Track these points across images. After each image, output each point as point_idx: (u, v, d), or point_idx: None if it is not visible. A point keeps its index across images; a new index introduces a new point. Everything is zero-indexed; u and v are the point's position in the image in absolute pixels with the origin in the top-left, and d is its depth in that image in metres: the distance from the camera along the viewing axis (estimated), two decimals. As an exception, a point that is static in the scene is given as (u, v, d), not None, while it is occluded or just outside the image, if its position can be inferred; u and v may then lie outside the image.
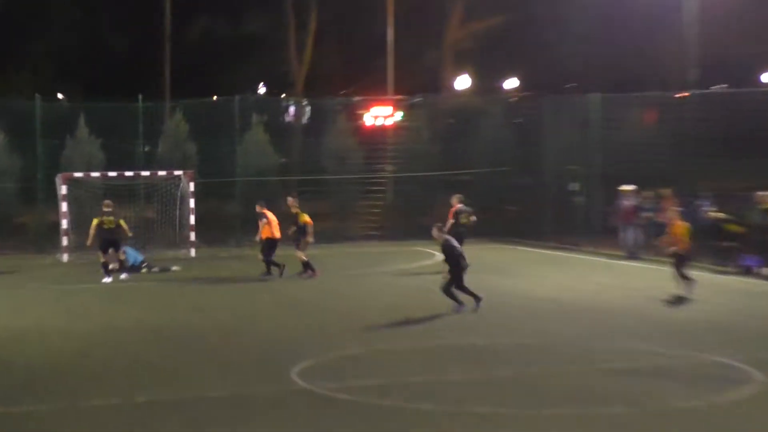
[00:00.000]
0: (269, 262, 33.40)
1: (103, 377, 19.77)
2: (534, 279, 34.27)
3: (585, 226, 41.79)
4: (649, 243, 36.55)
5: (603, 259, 38.45)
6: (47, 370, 20.63)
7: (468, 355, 22.05)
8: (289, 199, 34.08)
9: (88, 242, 33.87)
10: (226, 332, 24.76)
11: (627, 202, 38.17)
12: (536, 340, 23.90)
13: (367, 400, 18.25)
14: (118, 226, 33.35)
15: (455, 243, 27.30)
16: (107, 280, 32.60)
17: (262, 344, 23.22)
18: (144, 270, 35.36)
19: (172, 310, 28.11)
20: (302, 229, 33.22)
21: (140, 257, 36.20)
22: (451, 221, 34.83)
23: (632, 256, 37.45)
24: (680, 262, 29.08)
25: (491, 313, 26.87)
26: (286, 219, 34.77)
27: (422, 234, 44.96)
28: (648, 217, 37.53)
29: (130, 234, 34.06)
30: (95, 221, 33.24)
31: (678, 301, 28.96)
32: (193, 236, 40.76)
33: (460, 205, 35.97)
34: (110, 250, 32.92)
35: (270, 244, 33.52)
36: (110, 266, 32.98)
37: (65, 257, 38.54)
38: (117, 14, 68.40)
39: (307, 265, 33.13)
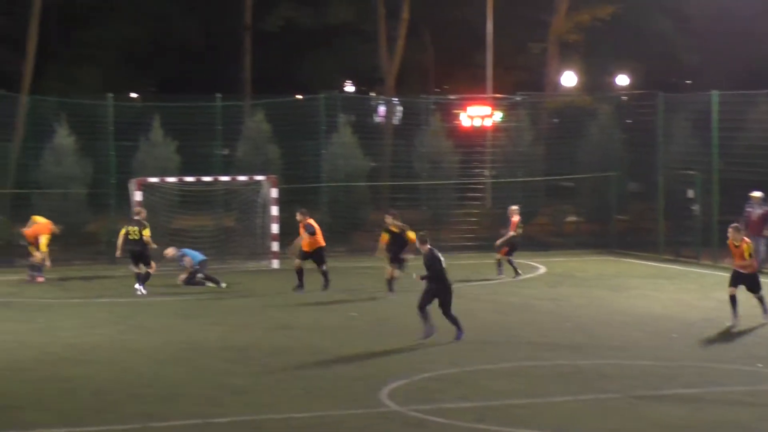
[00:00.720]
0: (325, 273, 33.92)
1: (180, 397, 20.09)
2: (648, 294, 33.95)
3: (703, 237, 41.31)
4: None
5: (724, 274, 37.96)
6: (119, 389, 20.91)
7: (573, 377, 21.99)
8: (388, 218, 33.83)
9: (117, 253, 34.62)
10: (313, 350, 24.90)
11: (755, 211, 37.76)
12: (652, 362, 23.81)
13: (462, 424, 18.34)
14: (141, 237, 33.53)
15: (440, 256, 26.17)
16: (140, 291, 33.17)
17: (350, 364, 23.36)
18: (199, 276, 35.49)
19: (255, 327, 28.22)
20: (400, 243, 32.80)
21: (200, 257, 35.97)
22: (512, 233, 35.08)
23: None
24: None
25: (601, 331, 26.97)
26: (373, 229, 34.91)
27: (524, 245, 45.02)
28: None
29: (153, 246, 34.12)
30: (122, 231, 33.85)
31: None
32: (275, 246, 40.57)
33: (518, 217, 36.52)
34: (140, 264, 33.41)
35: (321, 253, 34.16)
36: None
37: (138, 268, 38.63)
38: (190, 2, 68.50)
39: (390, 283, 33.05)
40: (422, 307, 25.32)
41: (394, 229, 32.99)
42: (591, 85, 66.51)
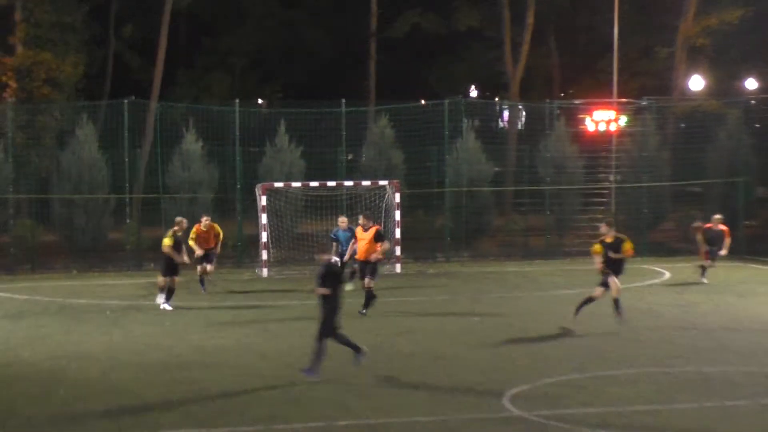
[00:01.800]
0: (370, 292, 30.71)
1: (304, 400, 20.19)
2: None
3: None
4: None
5: None
6: (244, 391, 21.15)
7: (699, 384, 21.66)
8: (603, 226, 32.93)
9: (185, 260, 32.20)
10: (436, 355, 24.88)
11: None
12: None
13: (585, 430, 18.31)
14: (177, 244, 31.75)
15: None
16: (164, 305, 31.41)
17: (473, 368, 23.23)
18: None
19: (379, 331, 28.19)
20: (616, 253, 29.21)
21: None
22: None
23: None
24: None
25: (728, 338, 26.57)
26: (496, 234, 34.56)
27: (651, 250, 44.66)
28: None
29: (184, 260, 31.74)
30: (169, 241, 31.21)
31: None
32: (398, 251, 40.65)
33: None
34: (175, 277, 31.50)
35: (375, 266, 31.06)
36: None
37: (265, 272, 39.07)
38: (317, 9, 69.09)
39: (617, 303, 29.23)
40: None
41: (611, 238, 29.50)
42: (719, 90, 65.57)
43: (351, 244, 33.81)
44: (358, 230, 31.80)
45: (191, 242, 33.74)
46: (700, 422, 18.35)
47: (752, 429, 18.27)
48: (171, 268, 30.94)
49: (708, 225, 37.74)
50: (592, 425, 18.57)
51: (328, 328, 21.75)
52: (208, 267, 34.54)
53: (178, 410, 19.99)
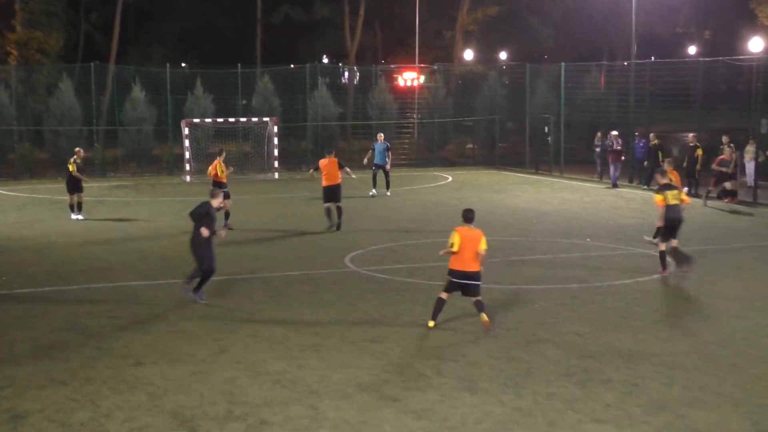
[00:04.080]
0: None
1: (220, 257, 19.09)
2: (519, 195, 34.02)
3: (554, 158, 41.32)
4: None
5: (567, 181, 38.40)
6: (178, 256, 20.73)
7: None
8: (690, 135, 31.32)
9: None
10: (302, 232, 24.95)
11: (614, 146, 35.82)
12: (520, 237, 24.04)
13: (398, 278, 18.67)
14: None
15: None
16: (76, 216, 27.05)
17: (326, 241, 23.33)
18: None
19: (261, 218, 27.89)
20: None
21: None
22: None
23: (615, 185, 35.58)
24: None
25: (491, 219, 26.73)
26: (341, 154, 34.41)
27: (440, 163, 45.25)
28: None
29: (77, 175, 26.85)
30: (72, 167, 26.73)
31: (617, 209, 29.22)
32: (276, 164, 40.62)
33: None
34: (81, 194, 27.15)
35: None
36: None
37: (188, 179, 38.52)
38: (223, 2, 68.18)
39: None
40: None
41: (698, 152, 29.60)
42: (483, 59, 66.47)
43: (381, 153, 32.31)
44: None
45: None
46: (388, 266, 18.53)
47: (504, 276, 18.58)
48: (75, 186, 26.93)
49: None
50: (403, 275, 18.94)
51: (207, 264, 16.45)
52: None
53: (132, 270, 19.91)
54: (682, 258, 18.60)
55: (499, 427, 10.76)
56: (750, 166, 32.71)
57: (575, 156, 41.61)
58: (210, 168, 25.11)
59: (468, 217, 14.90)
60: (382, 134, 34.57)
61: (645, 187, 33.94)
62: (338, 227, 24.39)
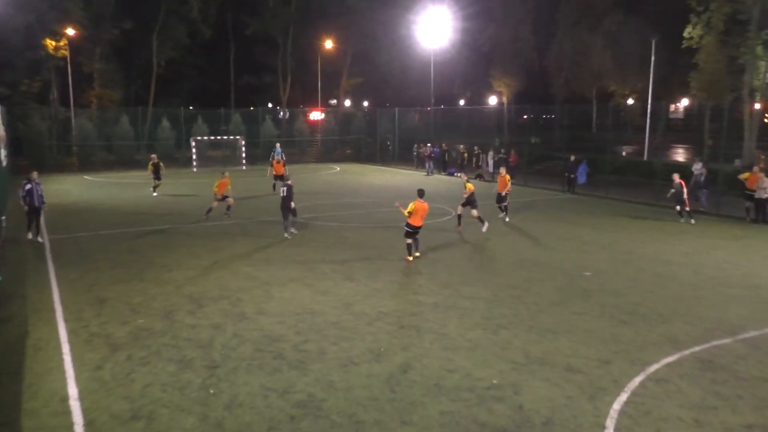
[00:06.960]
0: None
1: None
2: (372, 177, 31.73)
3: (392, 158, 40.01)
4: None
5: (398, 170, 36.14)
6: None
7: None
8: (461, 146, 29.44)
9: None
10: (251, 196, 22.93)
11: (429, 149, 34.29)
12: (374, 200, 22.29)
13: (318, 223, 17.66)
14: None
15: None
16: None
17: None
18: None
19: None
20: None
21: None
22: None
23: (429, 173, 33.59)
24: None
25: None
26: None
27: (332, 160, 43.18)
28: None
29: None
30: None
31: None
32: (244, 162, 37.23)
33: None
34: None
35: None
36: None
37: (195, 170, 34.62)
38: (213, 72, 60.44)
39: None
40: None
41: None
42: (354, 105, 61.14)
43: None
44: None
45: None
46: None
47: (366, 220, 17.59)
48: (156, 175, 23.83)
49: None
50: (324, 220, 17.44)
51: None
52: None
53: (165, 220, 18.51)
54: (460, 221, 17.14)
55: (367, 298, 10.94)
56: (490, 163, 33.31)
57: (403, 157, 40.18)
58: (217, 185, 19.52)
59: (420, 193, 13.12)
60: (279, 143, 29.29)
61: (436, 173, 33.77)
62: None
